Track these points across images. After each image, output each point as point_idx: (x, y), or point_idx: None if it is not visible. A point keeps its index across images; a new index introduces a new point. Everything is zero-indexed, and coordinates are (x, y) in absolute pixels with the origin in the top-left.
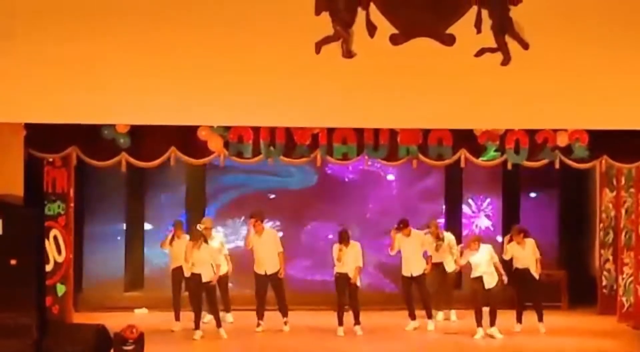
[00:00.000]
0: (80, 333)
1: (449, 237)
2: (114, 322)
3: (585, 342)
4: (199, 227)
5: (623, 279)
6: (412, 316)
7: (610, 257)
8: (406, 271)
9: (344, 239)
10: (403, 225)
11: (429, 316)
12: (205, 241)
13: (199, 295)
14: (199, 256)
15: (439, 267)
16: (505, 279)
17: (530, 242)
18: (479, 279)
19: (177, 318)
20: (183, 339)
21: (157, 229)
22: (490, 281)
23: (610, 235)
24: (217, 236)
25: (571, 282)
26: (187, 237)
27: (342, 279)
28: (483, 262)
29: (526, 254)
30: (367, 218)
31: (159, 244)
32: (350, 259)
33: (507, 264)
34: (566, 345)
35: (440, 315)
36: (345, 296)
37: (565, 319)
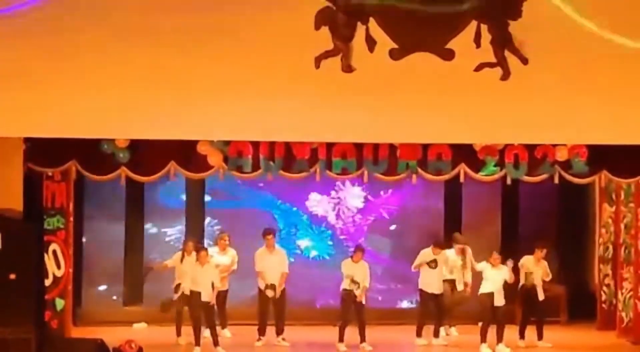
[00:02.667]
0: (79, 348)
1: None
2: (112, 336)
3: None
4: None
5: (622, 294)
6: (420, 332)
7: (610, 272)
8: (425, 286)
9: (357, 254)
10: (438, 245)
11: (437, 335)
12: (208, 261)
13: (198, 313)
14: (201, 274)
15: (450, 284)
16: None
17: (543, 263)
18: (490, 295)
19: (179, 333)
20: None
21: (157, 243)
22: (500, 299)
23: (610, 250)
24: (230, 250)
25: (571, 297)
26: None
27: (350, 296)
28: (497, 280)
29: (538, 272)
30: None
31: (168, 262)
32: (359, 277)
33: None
34: None
35: (442, 331)
36: (350, 313)
37: (564, 334)
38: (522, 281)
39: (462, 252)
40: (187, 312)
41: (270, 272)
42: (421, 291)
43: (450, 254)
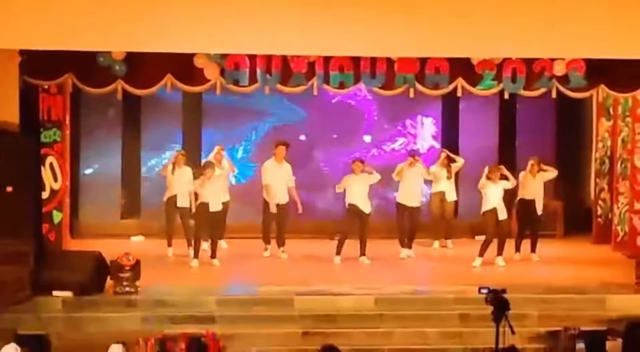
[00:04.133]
0: (77, 260)
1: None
2: (110, 249)
3: (580, 270)
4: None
5: (618, 208)
6: (403, 244)
7: (606, 187)
8: (402, 199)
9: (356, 166)
10: (413, 157)
11: (410, 246)
12: (214, 174)
13: (204, 224)
14: (208, 186)
15: (440, 196)
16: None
17: (542, 175)
18: (493, 211)
19: (170, 244)
20: (179, 266)
21: (154, 156)
22: (503, 213)
23: (606, 164)
24: (225, 162)
25: (567, 211)
26: (188, 168)
27: (352, 210)
28: (498, 194)
29: (535, 186)
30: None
31: (160, 171)
32: (361, 190)
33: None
34: (561, 274)
35: (436, 243)
36: (353, 227)
37: (560, 248)
38: (519, 196)
39: (447, 164)
40: (179, 224)
41: (276, 186)
42: (397, 203)
43: (434, 167)
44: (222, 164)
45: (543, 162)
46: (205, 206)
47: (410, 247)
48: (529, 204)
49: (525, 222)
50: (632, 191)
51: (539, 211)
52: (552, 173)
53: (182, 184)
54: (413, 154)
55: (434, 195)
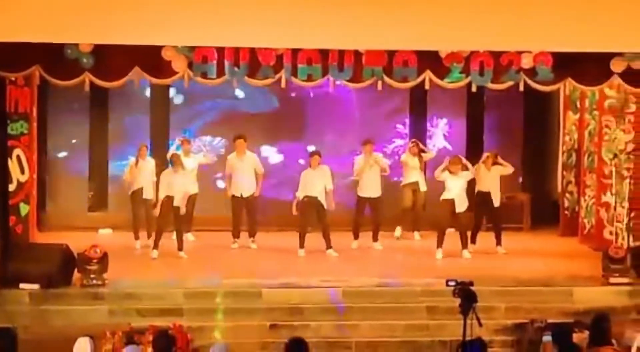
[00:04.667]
0: (44, 253)
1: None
2: (77, 242)
3: (547, 263)
4: (177, 143)
5: (585, 201)
6: (356, 236)
7: (573, 180)
8: (362, 192)
9: (314, 160)
10: (366, 143)
11: (376, 239)
12: (183, 167)
13: (167, 217)
14: (175, 180)
15: (413, 187)
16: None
17: (497, 168)
18: (450, 201)
19: (137, 237)
20: (146, 259)
21: (121, 149)
22: (461, 206)
23: (573, 157)
24: (195, 156)
25: (534, 204)
26: (152, 160)
27: (310, 203)
28: (459, 186)
29: (490, 178)
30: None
31: (124, 177)
32: (318, 183)
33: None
34: (529, 266)
35: (398, 231)
36: (311, 219)
37: (527, 241)
38: (477, 188)
39: (417, 153)
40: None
41: (240, 179)
42: (358, 197)
43: (404, 156)
44: (189, 156)
45: (510, 155)
46: (170, 199)
47: (376, 239)
48: (486, 196)
49: (482, 214)
50: (599, 183)
51: (496, 203)
52: (508, 168)
53: (146, 176)
54: (366, 142)
55: (406, 186)
